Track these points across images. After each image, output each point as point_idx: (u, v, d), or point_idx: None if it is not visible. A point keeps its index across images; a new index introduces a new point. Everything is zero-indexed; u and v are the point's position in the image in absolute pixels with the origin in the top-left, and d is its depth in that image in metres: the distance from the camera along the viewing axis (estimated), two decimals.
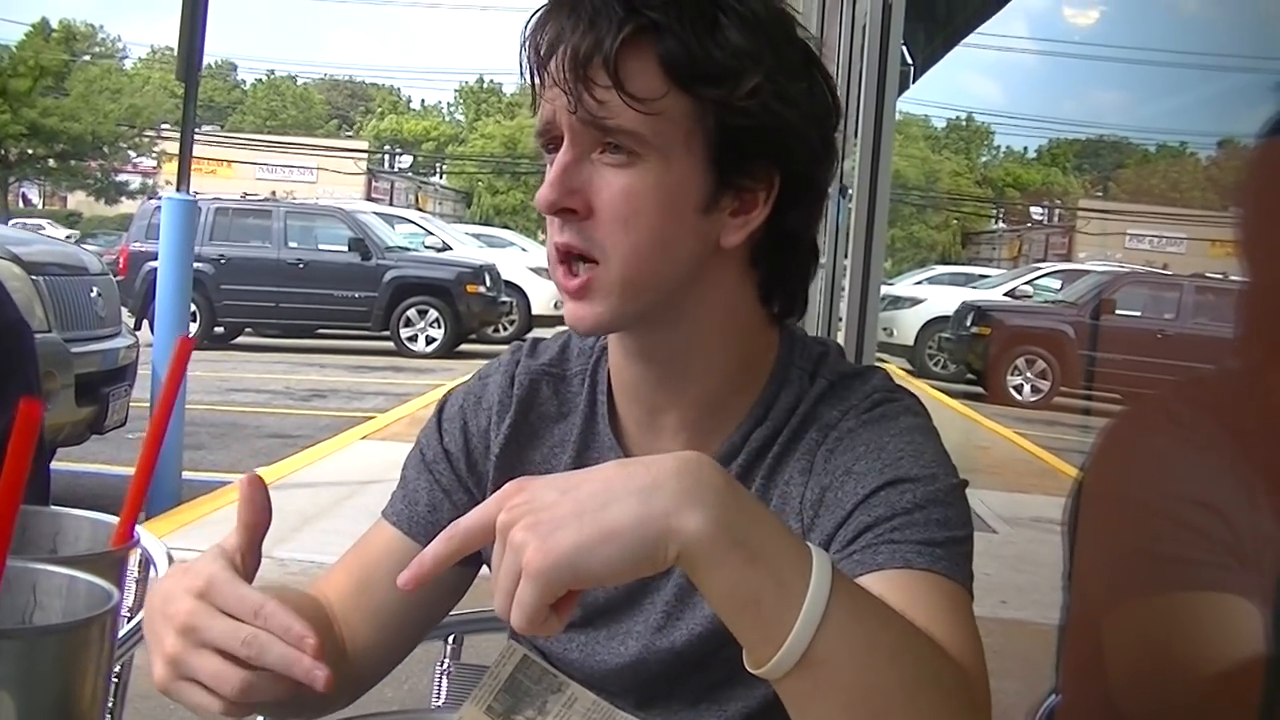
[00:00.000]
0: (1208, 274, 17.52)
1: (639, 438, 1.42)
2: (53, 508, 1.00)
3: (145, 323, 14.84)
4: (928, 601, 1.15)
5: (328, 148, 64.96)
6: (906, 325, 19.36)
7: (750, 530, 0.96)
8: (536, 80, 1.28)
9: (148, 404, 7.59)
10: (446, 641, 1.99)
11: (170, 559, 1.90)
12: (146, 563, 1.91)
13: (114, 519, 0.99)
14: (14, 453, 0.68)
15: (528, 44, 1.28)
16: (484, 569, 1.46)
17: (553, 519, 0.94)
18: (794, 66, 1.29)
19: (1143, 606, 1.38)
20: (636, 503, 0.94)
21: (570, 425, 1.46)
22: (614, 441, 1.43)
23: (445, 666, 1.99)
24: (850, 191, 3.60)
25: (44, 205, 62.90)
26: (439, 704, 1.95)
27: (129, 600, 1.74)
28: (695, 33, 1.22)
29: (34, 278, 6.58)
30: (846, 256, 3.39)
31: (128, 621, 1.63)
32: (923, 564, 1.19)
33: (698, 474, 0.96)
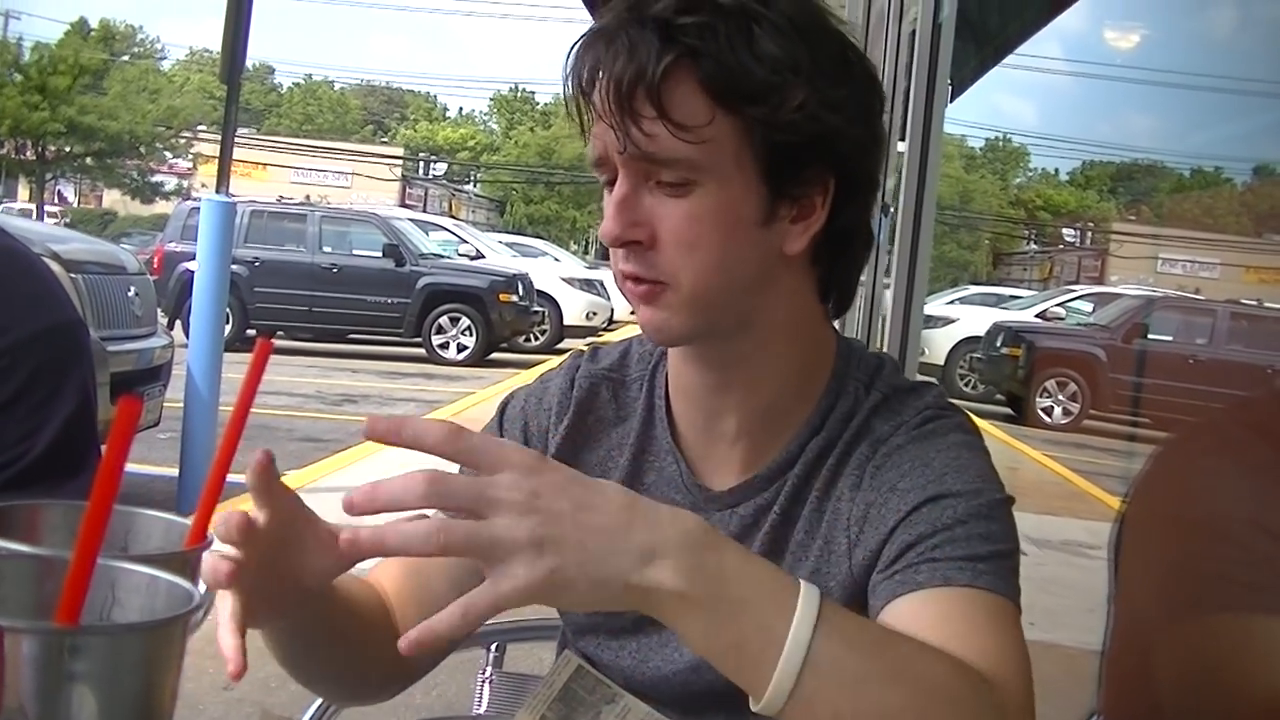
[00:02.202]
0: (1242, 300, 17.42)
1: (695, 443, 1.42)
2: (127, 506, 1.01)
3: (178, 323, 14.89)
4: (966, 618, 1.15)
5: (363, 153, 65.24)
6: (938, 345, 19.28)
7: (728, 589, 0.99)
8: (583, 112, 1.28)
9: (181, 405, 7.60)
10: (489, 649, 1.99)
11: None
12: None
13: (186, 520, 1.00)
14: (113, 447, 0.69)
15: (570, 76, 1.27)
16: None
17: (555, 539, 0.95)
18: (834, 66, 1.27)
19: (1196, 629, 1.38)
20: (632, 564, 0.97)
21: (628, 429, 1.47)
22: (672, 445, 1.43)
23: (487, 675, 1.99)
24: (893, 210, 3.60)
25: (79, 203, 63.30)
26: (480, 711, 1.96)
27: None
28: (734, 50, 1.21)
29: (72, 275, 6.59)
30: (888, 275, 3.37)
31: None
32: (963, 580, 1.19)
33: (701, 550, 0.99)
